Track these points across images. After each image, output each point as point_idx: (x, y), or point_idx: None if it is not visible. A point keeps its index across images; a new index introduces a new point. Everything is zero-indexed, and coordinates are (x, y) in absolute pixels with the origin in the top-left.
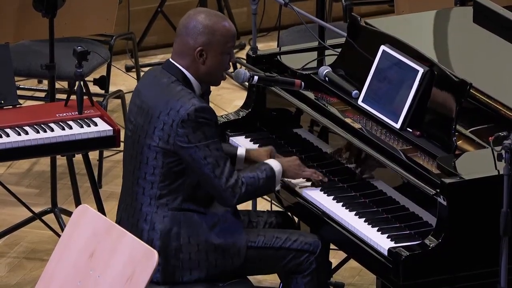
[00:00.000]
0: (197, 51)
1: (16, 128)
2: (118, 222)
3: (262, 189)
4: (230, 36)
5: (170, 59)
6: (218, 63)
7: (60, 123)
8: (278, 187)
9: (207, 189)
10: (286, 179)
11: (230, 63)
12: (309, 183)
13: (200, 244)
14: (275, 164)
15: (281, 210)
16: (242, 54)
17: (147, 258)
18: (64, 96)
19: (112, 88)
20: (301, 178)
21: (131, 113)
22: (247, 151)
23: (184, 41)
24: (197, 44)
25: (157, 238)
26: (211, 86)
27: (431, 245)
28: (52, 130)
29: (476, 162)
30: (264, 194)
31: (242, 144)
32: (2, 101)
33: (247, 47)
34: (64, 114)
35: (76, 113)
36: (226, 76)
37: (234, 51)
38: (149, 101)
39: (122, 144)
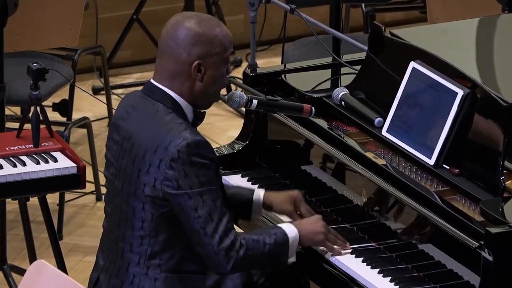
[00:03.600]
0: (194, 66)
1: None
2: (94, 284)
3: (267, 258)
4: (228, 42)
5: (152, 81)
6: (218, 77)
7: (11, 158)
8: (292, 259)
9: (196, 249)
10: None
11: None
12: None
13: None
14: (289, 229)
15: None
16: (238, 73)
17: None
18: (16, 125)
19: (76, 115)
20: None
21: (110, 151)
22: (266, 194)
23: (174, 56)
24: (192, 56)
25: None
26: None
27: None
28: (1, 167)
29: None
30: (270, 266)
31: (258, 200)
32: None
33: (244, 64)
34: (16, 148)
35: (31, 146)
36: (219, 98)
37: None
38: (132, 137)
39: (88, 185)
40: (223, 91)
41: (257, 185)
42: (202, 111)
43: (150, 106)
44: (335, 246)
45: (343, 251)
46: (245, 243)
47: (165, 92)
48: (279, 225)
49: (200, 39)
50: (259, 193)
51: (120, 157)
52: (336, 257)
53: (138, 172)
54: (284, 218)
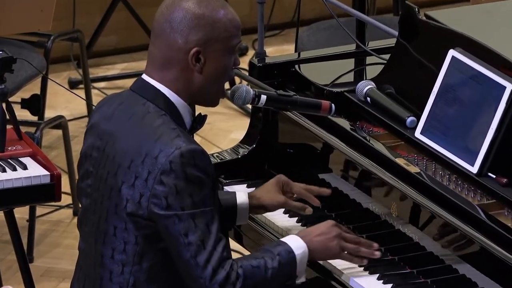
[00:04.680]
0: (192, 54)
1: None
2: None
3: (271, 283)
4: (236, 27)
5: (144, 76)
6: (221, 69)
7: None
8: (302, 279)
9: (185, 279)
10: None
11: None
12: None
13: None
14: (296, 244)
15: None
16: (243, 63)
17: None
18: None
19: (49, 113)
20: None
21: (88, 159)
22: (251, 196)
23: (168, 41)
24: (190, 43)
25: None
26: (198, 108)
27: None
28: None
29: None
30: None
31: (243, 203)
32: None
33: (250, 52)
34: None
35: None
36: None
37: None
38: (116, 143)
39: (64, 197)
40: (226, 85)
41: (244, 186)
42: (202, 114)
43: (139, 106)
44: (356, 257)
45: (369, 257)
46: (242, 273)
47: (157, 89)
48: (284, 239)
49: (199, 22)
50: (242, 197)
51: (101, 165)
52: (358, 279)
53: (121, 185)
54: (282, 218)
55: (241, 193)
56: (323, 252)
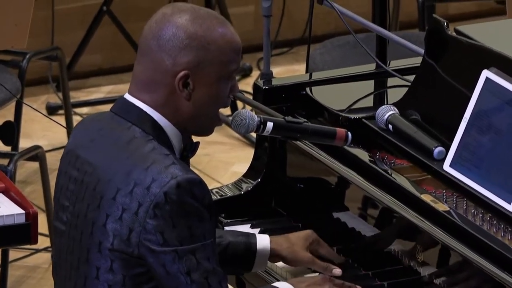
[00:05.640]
0: (179, 78)
1: None
2: None
3: None
4: (234, 50)
5: (128, 96)
6: (213, 97)
7: None
8: None
9: None
10: None
11: (231, 97)
12: None
13: None
14: None
15: None
16: (247, 85)
17: None
18: None
19: (24, 143)
20: None
21: (63, 192)
22: (274, 241)
23: (154, 61)
24: (178, 65)
25: None
26: (194, 136)
27: None
28: None
29: None
30: None
31: (264, 249)
32: None
33: (255, 73)
34: None
35: None
36: (223, 121)
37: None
38: (96, 172)
39: (41, 239)
40: (226, 110)
41: (259, 230)
42: (195, 141)
43: (123, 131)
44: None
45: None
46: None
47: (143, 111)
48: (276, 284)
49: (191, 43)
50: (264, 240)
51: (79, 198)
52: None
53: (106, 220)
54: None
55: (263, 236)
56: None
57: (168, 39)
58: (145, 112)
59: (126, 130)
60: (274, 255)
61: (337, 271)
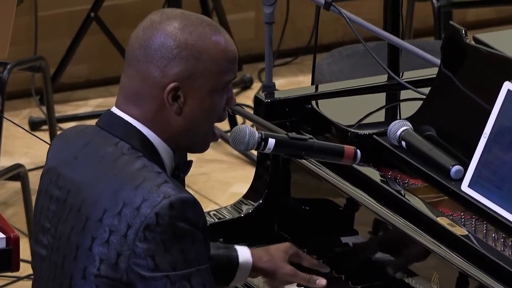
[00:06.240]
0: (168, 91)
1: None
2: None
3: None
4: (229, 60)
5: (115, 109)
6: (207, 111)
7: None
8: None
9: None
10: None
11: (227, 111)
12: None
13: None
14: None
15: None
16: (247, 98)
17: None
18: None
19: (4, 161)
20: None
21: (44, 213)
22: (255, 254)
23: (141, 73)
24: (167, 77)
25: None
26: (189, 153)
27: None
28: None
29: None
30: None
31: (246, 262)
32: None
33: (256, 85)
34: None
35: None
36: (219, 136)
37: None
38: (81, 191)
39: (23, 266)
40: (224, 125)
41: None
42: (188, 159)
43: (110, 147)
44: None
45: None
46: None
47: (131, 125)
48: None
49: (181, 52)
50: (246, 253)
51: (61, 220)
52: None
53: (91, 243)
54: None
55: (243, 248)
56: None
57: (156, 49)
58: (134, 127)
59: (114, 146)
60: (254, 269)
61: (322, 282)
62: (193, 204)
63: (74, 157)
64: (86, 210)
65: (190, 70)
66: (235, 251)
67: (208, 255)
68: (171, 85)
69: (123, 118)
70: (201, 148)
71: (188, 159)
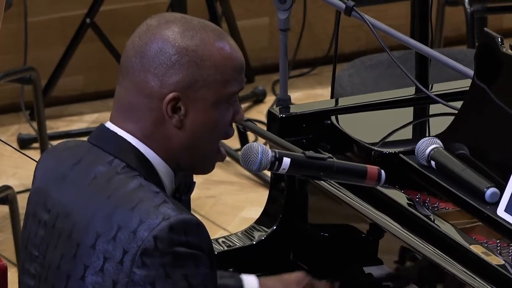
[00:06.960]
0: (167, 101)
1: None
2: None
3: None
4: (234, 68)
5: (109, 124)
6: (210, 125)
7: None
8: None
9: None
10: None
11: (235, 127)
12: None
13: None
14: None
15: None
16: (259, 113)
17: None
18: None
19: None
20: None
21: (32, 239)
22: (263, 285)
23: (137, 83)
24: (165, 87)
25: None
26: (194, 175)
27: None
28: None
29: None
30: None
31: None
32: None
33: (269, 98)
34: None
35: None
36: (226, 154)
37: (242, 104)
38: (71, 215)
39: None
40: (235, 143)
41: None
42: (190, 181)
43: (103, 166)
44: None
45: None
46: None
47: (126, 141)
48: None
49: (181, 60)
50: (252, 283)
51: (50, 247)
52: None
53: (84, 272)
54: None
55: (250, 277)
56: None
57: (153, 56)
58: (129, 143)
59: (107, 164)
60: None
61: None
62: (196, 227)
63: (63, 177)
64: (77, 235)
65: (191, 79)
66: (240, 280)
67: (215, 282)
68: (170, 95)
69: (117, 134)
70: (206, 168)
71: (194, 180)
